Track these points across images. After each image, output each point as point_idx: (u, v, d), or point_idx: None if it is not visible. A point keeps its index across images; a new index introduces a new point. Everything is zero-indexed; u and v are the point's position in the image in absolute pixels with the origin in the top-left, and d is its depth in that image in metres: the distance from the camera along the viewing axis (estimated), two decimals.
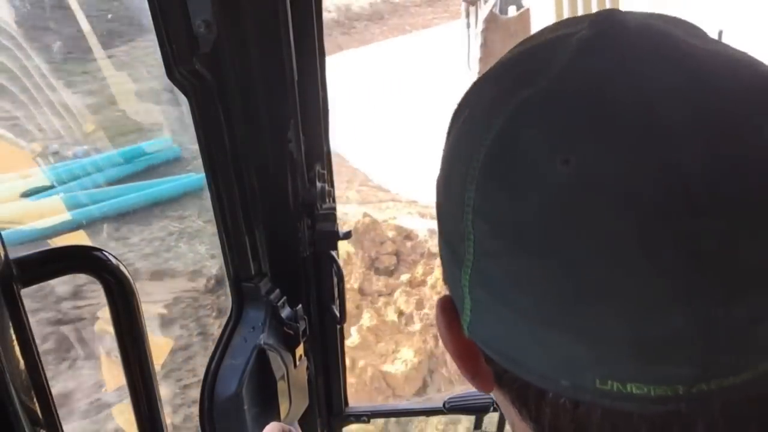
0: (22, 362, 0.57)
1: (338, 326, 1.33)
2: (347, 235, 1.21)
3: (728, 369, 0.32)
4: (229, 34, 0.94)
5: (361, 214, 6.39)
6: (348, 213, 6.54)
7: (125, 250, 5.84)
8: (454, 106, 0.42)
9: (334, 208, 1.20)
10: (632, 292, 0.31)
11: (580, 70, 0.34)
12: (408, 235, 6.42)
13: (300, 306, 1.19)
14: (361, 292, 5.61)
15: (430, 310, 5.55)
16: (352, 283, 5.52)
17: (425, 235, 6.62)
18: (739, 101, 0.32)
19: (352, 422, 1.46)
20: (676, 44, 0.34)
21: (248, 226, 1.09)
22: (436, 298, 5.64)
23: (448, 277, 0.40)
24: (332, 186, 1.22)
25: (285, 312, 1.16)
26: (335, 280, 1.26)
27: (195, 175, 6.90)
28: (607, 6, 5.48)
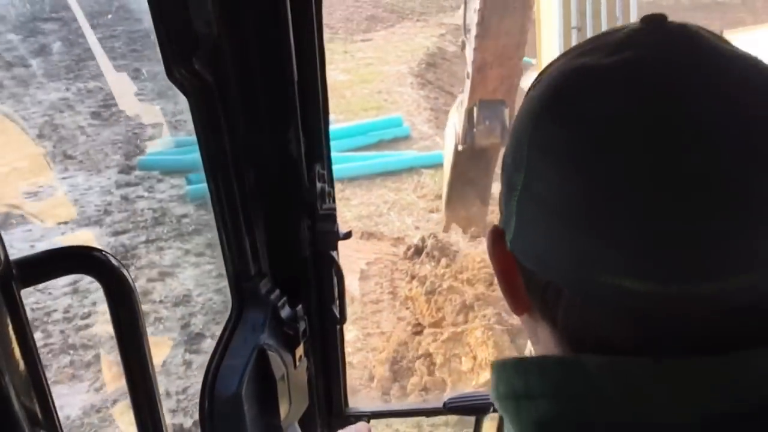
0: (22, 362, 0.57)
1: (338, 326, 1.33)
2: (347, 235, 1.21)
3: (711, 275, 0.40)
4: (229, 34, 0.94)
5: None
6: None
7: (345, 210, 6.85)
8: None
9: (334, 208, 1.20)
10: (636, 199, 0.40)
11: (627, 48, 0.45)
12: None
13: (300, 306, 1.19)
14: None
15: None
16: None
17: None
18: (749, 82, 0.43)
19: (352, 422, 1.45)
20: (702, 39, 0.45)
21: (248, 226, 1.09)
22: None
23: (501, 207, 0.51)
24: (332, 186, 1.22)
25: (285, 312, 1.16)
26: (335, 280, 1.26)
27: (417, 154, 7.97)
28: (618, 16, 5.49)
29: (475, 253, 5.72)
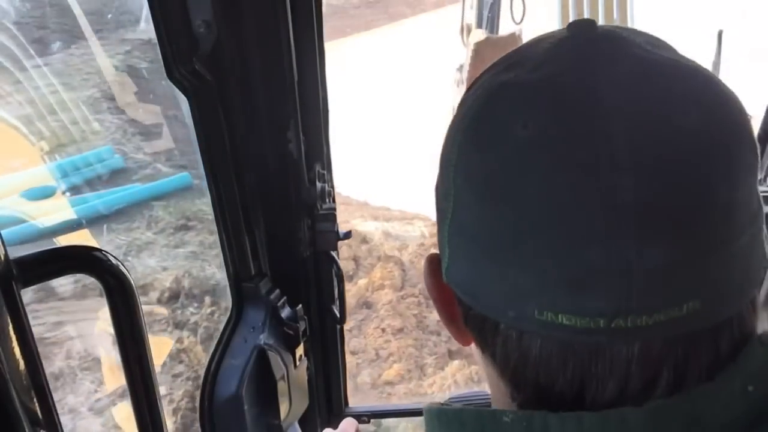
0: (22, 362, 0.57)
1: (338, 326, 1.34)
2: (347, 235, 1.21)
3: (643, 309, 0.38)
4: (229, 34, 0.94)
5: None
6: None
7: None
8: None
9: (334, 208, 1.20)
10: (562, 230, 0.38)
11: (550, 62, 0.42)
12: (363, 239, 6.28)
13: (300, 306, 1.19)
14: None
15: (393, 317, 5.50)
16: None
17: (380, 238, 6.47)
18: (673, 91, 0.40)
19: None
20: (630, 47, 0.42)
21: (248, 226, 1.09)
22: (395, 302, 5.56)
23: (438, 235, 0.48)
24: (332, 186, 1.22)
25: (285, 312, 1.16)
26: (335, 280, 1.26)
27: (141, 186, 6.73)
28: (615, 18, 5.44)
29: None
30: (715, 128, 0.39)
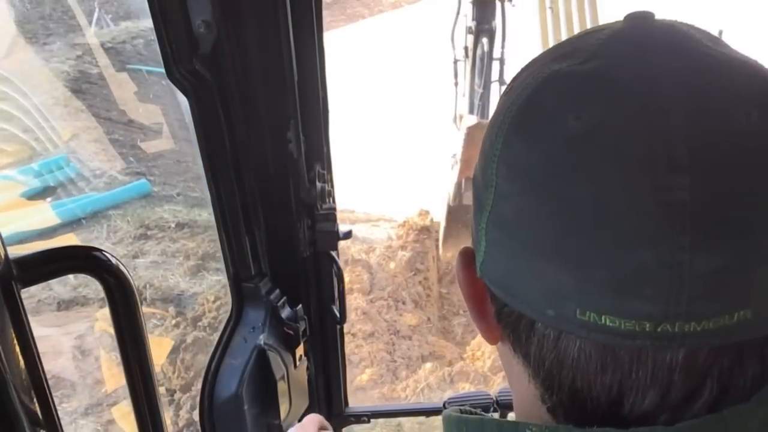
0: (22, 362, 0.57)
1: (338, 326, 1.33)
2: (347, 235, 1.21)
3: (692, 315, 0.36)
4: (229, 34, 0.94)
5: None
6: None
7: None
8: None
9: (334, 208, 1.20)
10: (612, 228, 0.36)
11: (606, 53, 0.41)
12: None
13: (300, 306, 1.19)
14: None
15: (363, 322, 5.43)
16: None
17: (346, 241, 6.41)
18: (733, 91, 0.38)
19: (352, 422, 1.46)
20: (688, 41, 0.40)
21: (248, 226, 1.09)
22: (365, 306, 5.51)
23: (473, 228, 0.46)
24: (332, 186, 1.22)
25: (285, 312, 1.16)
26: (335, 280, 1.26)
27: (99, 194, 6.48)
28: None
29: (208, 294, 4.82)
30: None
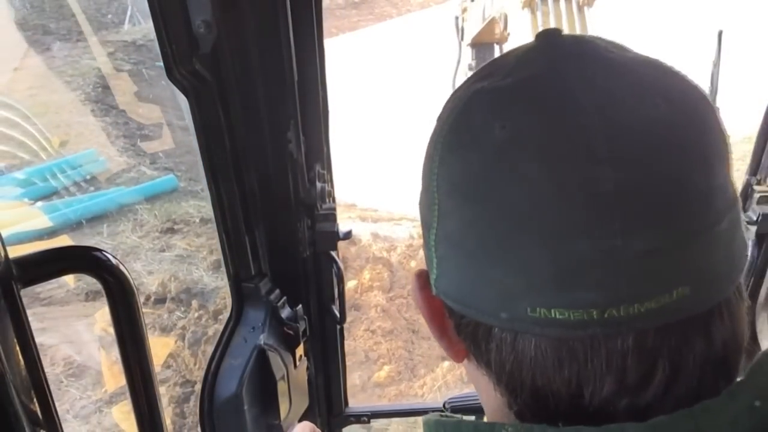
0: (22, 362, 0.57)
1: (338, 326, 1.33)
2: (347, 235, 1.21)
3: (634, 297, 0.38)
4: (229, 34, 0.94)
5: None
6: None
7: None
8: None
9: (334, 208, 1.20)
10: (547, 224, 0.38)
11: (522, 68, 0.44)
12: (352, 241, 6.14)
13: (300, 306, 1.19)
14: None
15: (383, 319, 5.46)
16: None
17: (368, 239, 6.45)
18: (640, 86, 0.41)
19: (352, 422, 1.46)
20: (595, 49, 0.44)
21: (248, 226, 1.09)
22: (385, 303, 5.53)
23: (424, 248, 0.48)
24: (332, 186, 1.22)
25: (285, 312, 1.16)
26: (335, 280, 1.26)
27: (126, 189, 6.64)
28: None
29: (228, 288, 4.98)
30: (684, 118, 0.41)
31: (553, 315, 0.39)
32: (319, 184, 1.15)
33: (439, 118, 0.47)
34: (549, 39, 0.45)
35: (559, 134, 0.39)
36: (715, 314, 0.41)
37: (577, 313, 0.38)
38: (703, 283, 0.40)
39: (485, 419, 0.49)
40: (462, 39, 5.56)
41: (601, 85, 0.41)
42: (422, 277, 0.48)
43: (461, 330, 0.45)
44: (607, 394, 0.40)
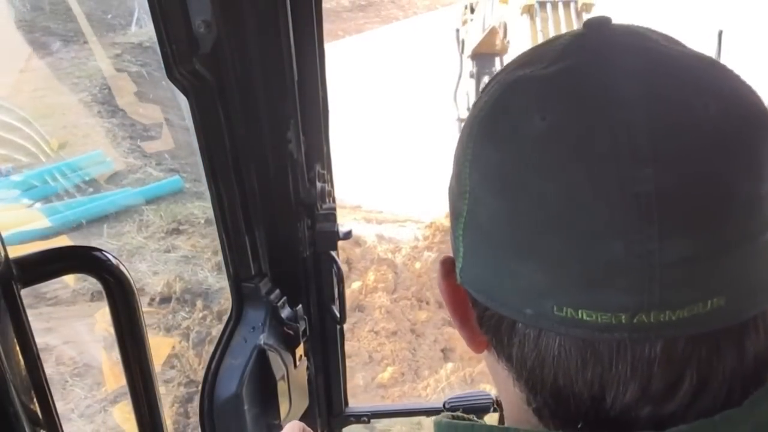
0: (22, 362, 0.57)
1: (338, 326, 1.34)
2: (347, 235, 1.21)
3: (666, 304, 0.36)
4: (229, 34, 0.94)
5: None
6: None
7: None
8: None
9: (334, 208, 1.20)
10: (581, 222, 0.37)
11: (567, 56, 0.42)
12: (356, 242, 6.22)
13: (300, 306, 1.19)
14: None
15: (387, 320, 5.45)
16: None
17: (373, 240, 6.43)
18: (691, 84, 0.39)
19: (352, 422, 1.46)
20: (644, 42, 0.42)
21: (248, 226, 1.09)
22: (389, 305, 5.54)
23: (451, 236, 0.46)
24: (332, 186, 1.22)
25: (285, 312, 1.16)
26: (335, 280, 1.26)
27: (132, 189, 6.64)
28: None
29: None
30: (735, 120, 0.39)
31: (580, 316, 0.37)
32: (319, 184, 1.15)
33: (476, 104, 0.45)
34: (597, 28, 0.43)
35: (601, 130, 0.37)
36: (749, 327, 0.39)
37: (605, 315, 0.37)
38: (740, 294, 0.38)
39: (504, 413, 0.48)
40: (462, 51, 5.57)
41: (649, 80, 0.39)
42: (447, 264, 0.47)
43: (484, 322, 0.45)
44: (629, 400, 0.39)
